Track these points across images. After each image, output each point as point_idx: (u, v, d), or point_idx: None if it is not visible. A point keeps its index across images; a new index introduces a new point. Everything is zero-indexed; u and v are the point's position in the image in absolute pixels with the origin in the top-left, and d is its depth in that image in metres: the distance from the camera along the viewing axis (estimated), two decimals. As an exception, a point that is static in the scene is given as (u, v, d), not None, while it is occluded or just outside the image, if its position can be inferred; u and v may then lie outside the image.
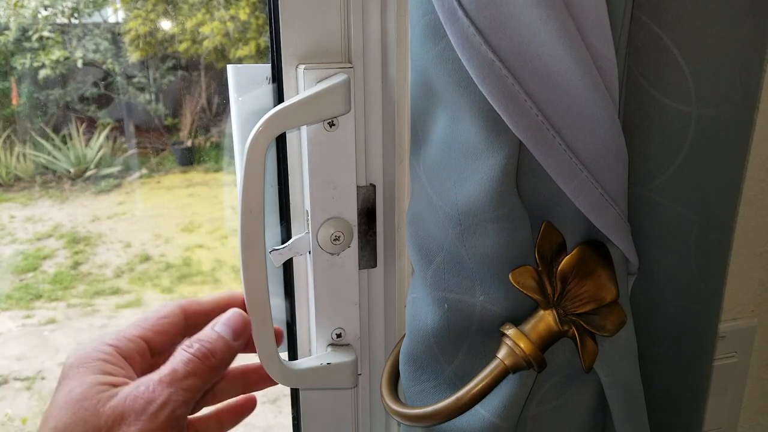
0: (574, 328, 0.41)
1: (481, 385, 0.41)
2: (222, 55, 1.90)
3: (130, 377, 0.40)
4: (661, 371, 0.48)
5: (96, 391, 0.37)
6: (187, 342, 0.41)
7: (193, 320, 0.45)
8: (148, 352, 0.42)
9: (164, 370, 0.39)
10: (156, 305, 0.45)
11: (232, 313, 0.44)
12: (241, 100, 0.51)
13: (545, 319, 0.41)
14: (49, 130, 1.89)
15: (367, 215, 0.52)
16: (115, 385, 0.38)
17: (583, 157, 0.37)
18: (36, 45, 1.76)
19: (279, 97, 0.49)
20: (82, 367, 0.39)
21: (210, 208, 2.16)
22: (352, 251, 0.50)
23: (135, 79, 1.95)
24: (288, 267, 0.53)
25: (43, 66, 1.78)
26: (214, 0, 1.88)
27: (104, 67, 1.88)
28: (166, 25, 1.89)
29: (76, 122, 1.91)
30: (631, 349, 0.44)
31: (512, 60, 0.35)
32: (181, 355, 0.40)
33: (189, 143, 2.09)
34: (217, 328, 0.42)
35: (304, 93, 0.45)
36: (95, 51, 1.85)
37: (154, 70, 1.96)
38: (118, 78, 1.94)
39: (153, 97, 2.01)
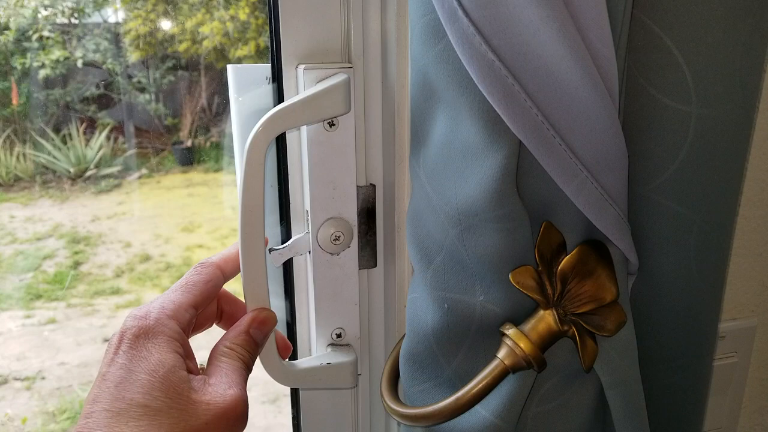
0: (574, 328, 0.41)
1: (481, 385, 0.41)
2: (222, 55, 1.90)
3: (190, 355, 0.41)
4: (661, 371, 0.48)
5: (183, 377, 0.37)
6: (237, 346, 0.42)
7: (228, 277, 0.45)
8: (195, 318, 0.42)
9: (238, 379, 0.40)
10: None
11: (266, 317, 0.44)
12: (241, 100, 0.50)
13: (545, 319, 0.41)
14: (49, 130, 1.89)
15: (367, 215, 0.52)
16: (190, 370, 0.39)
17: (583, 157, 0.37)
18: (36, 45, 1.76)
19: (279, 97, 0.49)
20: (153, 340, 0.38)
21: (210, 208, 2.16)
22: (352, 251, 0.50)
23: (135, 79, 1.95)
24: (288, 267, 0.53)
25: (43, 66, 1.78)
26: (214, 0, 1.88)
27: (104, 67, 1.88)
28: (166, 25, 1.89)
29: (76, 122, 1.91)
30: (631, 349, 0.44)
31: (512, 60, 0.35)
32: (238, 366, 0.41)
33: (189, 143, 2.09)
34: (253, 334, 0.43)
35: (304, 93, 0.45)
36: (95, 51, 1.85)
37: (154, 70, 1.96)
38: (118, 78, 1.94)
39: (153, 97, 2.01)
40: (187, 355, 0.40)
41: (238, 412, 0.38)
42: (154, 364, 0.37)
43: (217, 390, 0.38)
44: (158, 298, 0.41)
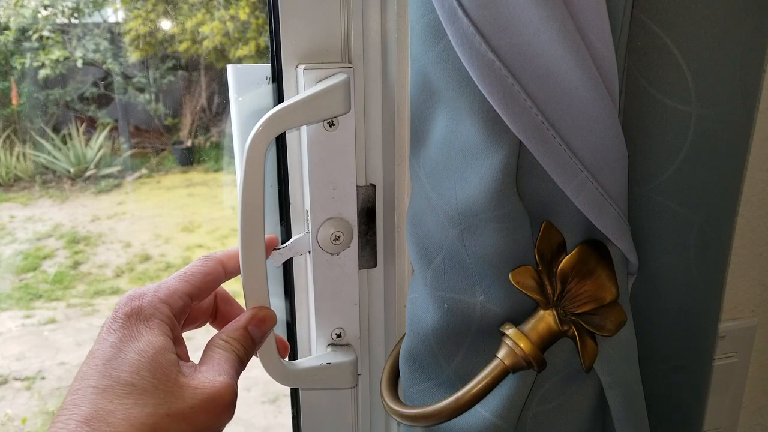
0: (574, 328, 0.41)
1: (481, 385, 0.41)
2: (222, 55, 1.90)
3: (180, 342, 0.41)
4: (660, 371, 0.48)
5: (172, 360, 0.37)
6: (233, 340, 0.42)
7: (230, 275, 0.45)
8: (189, 308, 0.42)
9: (229, 369, 0.40)
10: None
11: (266, 316, 0.44)
12: (241, 100, 0.51)
13: (545, 319, 0.41)
14: (49, 130, 1.89)
15: (367, 215, 0.52)
16: (179, 356, 0.38)
17: (583, 157, 0.37)
18: (36, 45, 1.76)
19: (279, 97, 0.49)
20: (145, 322, 0.38)
21: (210, 208, 2.16)
22: (352, 251, 0.50)
23: (135, 79, 1.95)
24: (288, 267, 0.53)
25: (43, 66, 1.78)
26: (214, 0, 1.88)
27: (104, 67, 1.88)
28: (166, 25, 1.89)
29: (76, 122, 1.91)
30: (631, 349, 0.44)
31: (512, 60, 0.35)
32: (232, 358, 0.41)
33: (189, 143, 2.09)
34: (251, 331, 0.43)
35: (304, 93, 0.45)
36: (95, 51, 1.85)
37: (154, 70, 1.96)
38: (118, 78, 1.94)
39: (153, 97, 2.01)
40: (177, 341, 0.40)
41: (226, 400, 0.37)
42: (144, 344, 0.37)
43: (207, 376, 0.38)
44: (156, 283, 0.41)
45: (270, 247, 0.48)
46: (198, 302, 0.43)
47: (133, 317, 0.38)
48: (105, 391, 0.34)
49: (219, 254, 0.45)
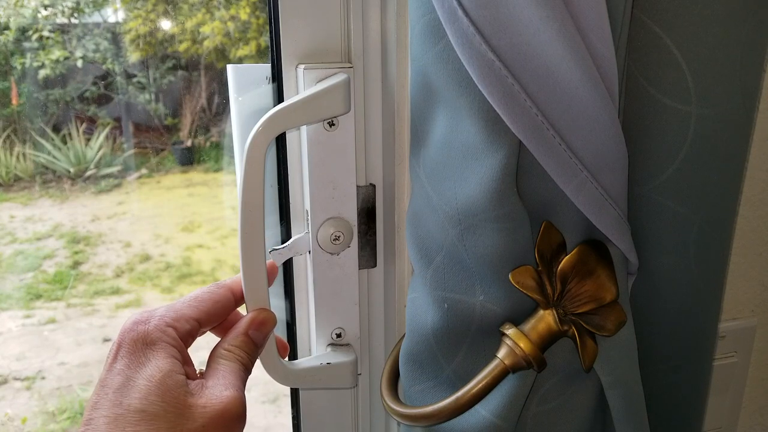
0: (574, 327, 0.41)
1: (481, 385, 0.41)
2: (222, 55, 1.90)
3: (188, 362, 0.41)
4: (661, 371, 0.48)
5: (179, 381, 0.37)
6: (235, 348, 0.42)
7: (239, 302, 0.45)
8: (197, 332, 0.42)
9: (235, 380, 0.40)
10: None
11: (265, 318, 0.45)
12: (241, 100, 0.51)
13: (545, 319, 0.41)
14: (49, 130, 1.89)
15: (367, 215, 0.52)
16: (188, 376, 0.39)
17: (582, 157, 0.37)
18: (36, 45, 1.76)
19: (279, 97, 0.49)
20: (152, 346, 0.38)
21: (210, 208, 2.16)
22: (352, 251, 0.50)
23: (135, 79, 1.95)
24: (288, 267, 0.53)
25: (43, 66, 1.78)
26: (215, 0, 1.88)
27: (104, 66, 1.88)
28: (166, 25, 1.89)
29: (76, 122, 1.91)
30: (631, 349, 0.44)
31: (512, 60, 0.35)
32: (236, 368, 0.41)
33: (189, 143, 2.09)
34: (252, 335, 0.44)
35: (304, 93, 0.45)
36: (95, 51, 1.85)
37: (154, 70, 1.96)
38: (118, 78, 1.94)
39: (153, 96, 2.01)
40: (185, 361, 0.40)
41: (235, 413, 0.38)
42: (152, 369, 0.37)
43: (214, 392, 0.38)
44: (163, 306, 0.42)
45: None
46: (208, 328, 0.44)
47: (140, 342, 0.38)
48: (117, 420, 0.35)
49: (229, 281, 0.45)
